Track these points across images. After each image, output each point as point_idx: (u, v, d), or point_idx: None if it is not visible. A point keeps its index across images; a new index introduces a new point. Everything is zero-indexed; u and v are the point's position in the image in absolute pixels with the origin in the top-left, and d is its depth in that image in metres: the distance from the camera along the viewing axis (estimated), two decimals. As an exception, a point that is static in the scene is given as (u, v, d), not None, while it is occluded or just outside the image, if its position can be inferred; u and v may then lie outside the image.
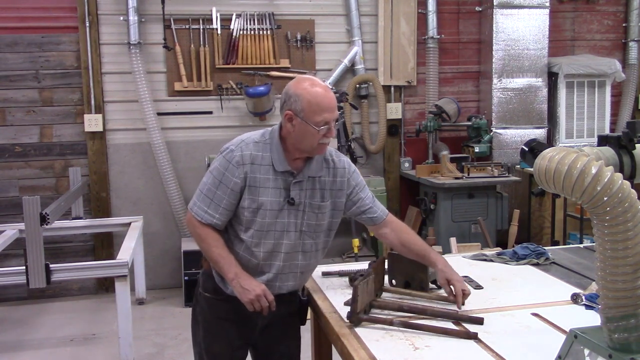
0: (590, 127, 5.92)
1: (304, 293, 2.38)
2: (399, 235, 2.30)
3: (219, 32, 5.38)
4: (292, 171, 2.15)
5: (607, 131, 5.90)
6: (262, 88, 5.26)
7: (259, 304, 2.10)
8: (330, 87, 2.14)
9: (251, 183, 2.12)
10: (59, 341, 4.41)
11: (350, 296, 2.23)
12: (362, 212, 2.29)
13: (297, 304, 2.35)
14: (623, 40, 6.32)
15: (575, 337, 1.46)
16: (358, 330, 1.97)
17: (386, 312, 2.11)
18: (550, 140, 5.88)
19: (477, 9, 5.89)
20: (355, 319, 1.99)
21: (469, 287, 2.22)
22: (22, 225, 3.83)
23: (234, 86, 5.43)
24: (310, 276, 2.41)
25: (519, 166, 5.56)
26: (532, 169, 1.50)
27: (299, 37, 5.54)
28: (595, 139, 3.26)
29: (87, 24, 5.16)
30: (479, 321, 1.97)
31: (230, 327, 2.27)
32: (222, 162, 2.14)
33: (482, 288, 2.35)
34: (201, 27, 5.35)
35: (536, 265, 2.63)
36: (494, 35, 5.66)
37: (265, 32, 5.45)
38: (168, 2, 5.16)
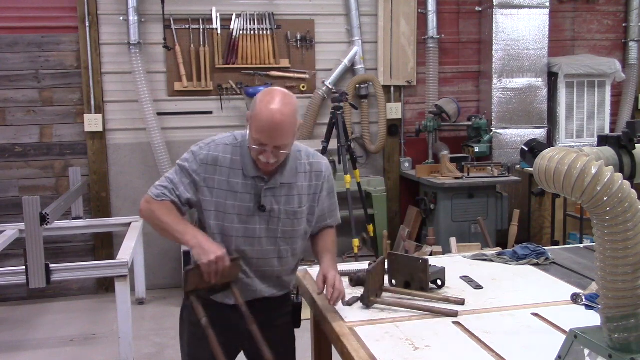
0: (590, 127, 5.92)
1: (297, 296, 2.33)
2: (318, 235, 2.32)
3: (219, 32, 5.38)
4: (263, 177, 2.09)
5: (607, 131, 5.90)
6: (262, 88, 5.25)
7: (215, 267, 1.96)
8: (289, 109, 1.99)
9: (214, 185, 2.08)
10: (59, 341, 4.41)
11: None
12: (323, 215, 2.26)
13: (289, 307, 2.31)
14: (623, 40, 6.33)
15: (575, 337, 1.46)
16: (358, 330, 1.97)
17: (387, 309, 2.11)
18: (550, 140, 5.88)
19: (477, 9, 5.89)
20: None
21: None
22: (22, 225, 3.83)
23: (234, 86, 5.43)
24: (294, 278, 2.35)
25: (519, 166, 5.56)
26: (532, 169, 1.50)
27: (299, 37, 5.54)
28: (595, 139, 3.26)
29: (87, 24, 5.17)
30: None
31: (218, 333, 2.16)
32: (188, 156, 2.12)
33: (482, 288, 2.35)
34: (201, 27, 5.35)
35: (536, 265, 2.63)
36: (494, 35, 5.67)
37: (265, 32, 5.45)
38: (168, 2, 5.16)
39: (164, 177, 2.15)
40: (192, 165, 2.08)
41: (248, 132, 2.06)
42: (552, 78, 5.83)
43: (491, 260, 2.72)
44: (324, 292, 2.12)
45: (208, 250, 1.96)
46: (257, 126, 1.98)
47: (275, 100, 1.98)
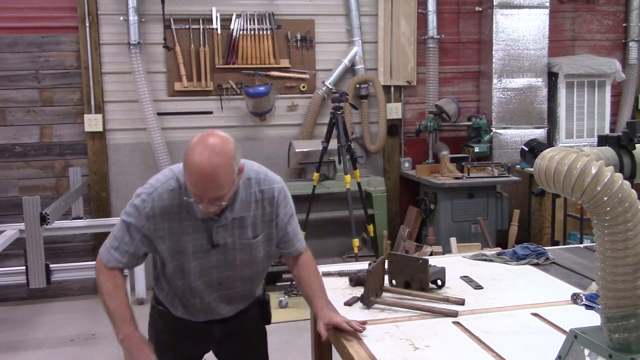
0: (590, 127, 5.92)
1: (264, 294, 2.33)
2: (299, 271, 2.19)
3: (219, 32, 5.38)
4: (212, 217, 1.97)
5: (607, 131, 5.90)
6: (262, 88, 5.27)
7: None
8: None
9: (165, 233, 1.99)
10: (59, 341, 4.41)
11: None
12: (284, 241, 2.17)
13: (257, 306, 2.30)
14: (623, 40, 6.33)
15: (575, 337, 1.46)
16: (358, 330, 1.97)
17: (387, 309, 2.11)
18: (550, 140, 5.88)
19: (477, 9, 5.89)
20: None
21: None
22: (22, 225, 3.83)
23: (234, 86, 5.43)
24: (261, 284, 2.33)
25: (519, 166, 5.55)
26: (532, 169, 1.50)
27: (299, 37, 5.54)
28: (595, 139, 3.26)
29: (87, 24, 5.16)
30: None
31: (182, 342, 2.20)
32: (132, 210, 1.98)
33: (482, 288, 2.35)
34: (201, 27, 5.35)
35: (536, 265, 2.63)
36: (494, 35, 5.67)
37: (265, 32, 5.45)
38: (168, 2, 5.16)
39: (113, 235, 2.03)
40: (139, 220, 1.97)
41: None
42: (552, 78, 5.83)
43: (491, 260, 2.72)
44: (349, 329, 1.96)
45: (135, 358, 1.93)
46: (188, 179, 1.85)
47: (205, 151, 1.80)
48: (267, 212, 2.08)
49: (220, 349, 2.30)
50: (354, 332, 1.92)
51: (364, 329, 1.93)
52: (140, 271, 4.98)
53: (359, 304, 2.19)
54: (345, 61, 5.61)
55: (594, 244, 1.68)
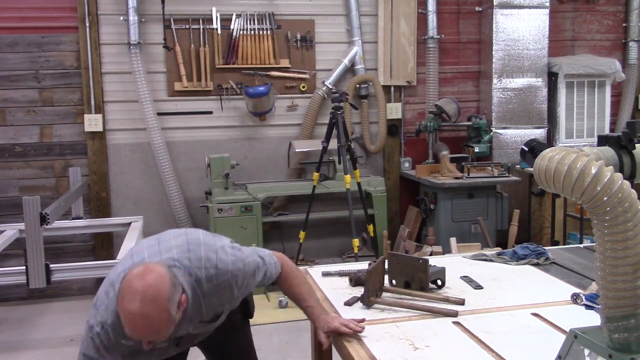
0: (590, 127, 5.92)
1: None
2: (285, 287, 2.16)
3: (219, 32, 5.38)
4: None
5: (607, 131, 5.90)
6: (262, 88, 5.27)
7: None
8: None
9: (129, 353, 1.85)
10: (59, 341, 4.41)
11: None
12: (257, 283, 2.10)
13: (238, 307, 2.23)
14: (623, 40, 6.32)
15: (575, 337, 1.46)
16: (358, 330, 1.97)
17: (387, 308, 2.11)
18: (550, 140, 5.88)
19: (477, 9, 5.89)
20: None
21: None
22: (22, 225, 3.84)
23: (234, 86, 5.43)
24: None
25: (519, 166, 5.55)
26: (532, 169, 1.50)
27: (299, 37, 5.54)
28: (595, 139, 3.26)
29: (87, 24, 5.16)
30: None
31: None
32: (90, 346, 1.85)
33: (482, 288, 2.35)
34: (201, 27, 5.35)
35: (536, 265, 2.63)
36: (494, 35, 5.67)
37: (265, 32, 5.45)
38: (168, 2, 5.16)
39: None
40: (96, 356, 1.85)
41: None
42: (552, 78, 5.83)
43: (491, 260, 2.72)
44: (348, 332, 1.95)
45: None
46: (123, 323, 1.69)
47: (136, 299, 1.64)
48: (227, 297, 1.97)
49: (201, 346, 2.31)
50: (354, 333, 1.92)
51: (363, 328, 1.94)
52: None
53: (359, 304, 2.19)
54: (345, 61, 5.61)
55: (594, 244, 1.68)
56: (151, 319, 1.65)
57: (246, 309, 2.31)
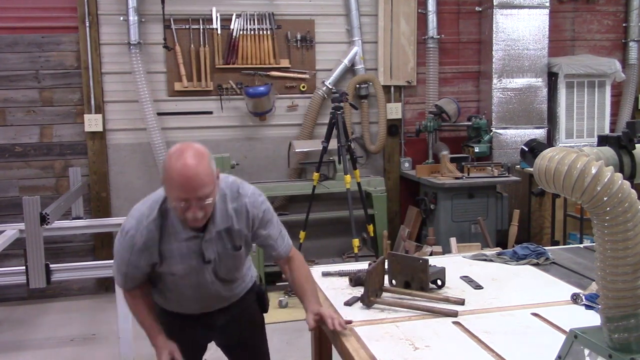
0: (590, 127, 5.92)
1: (260, 284, 2.48)
2: (292, 277, 2.29)
3: (219, 32, 5.38)
4: (197, 234, 2.09)
5: (607, 131, 5.90)
6: (262, 88, 5.27)
7: None
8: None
9: (162, 258, 2.10)
10: (59, 341, 4.41)
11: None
12: (265, 245, 2.27)
13: (254, 295, 2.44)
14: (623, 40, 6.32)
15: (575, 337, 1.46)
16: (358, 330, 1.97)
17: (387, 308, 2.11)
18: (550, 140, 5.88)
19: (477, 9, 5.89)
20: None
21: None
22: (22, 225, 3.83)
23: (234, 86, 5.43)
24: (250, 273, 2.45)
25: (519, 166, 5.56)
26: (532, 169, 1.50)
27: (299, 37, 5.54)
28: (595, 139, 3.26)
29: (87, 24, 5.16)
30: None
31: (186, 332, 2.32)
32: (125, 247, 2.10)
33: (482, 288, 2.35)
34: (201, 27, 5.35)
35: (536, 265, 2.63)
36: (494, 35, 5.67)
37: (265, 32, 5.45)
38: (168, 2, 5.16)
39: (117, 269, 2.19)
40: (132, 257, 2.10)
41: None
42: (552, 78, 5.83)
43: (491, 260, 2.72)
44: (330, 325, 2.03)
45: (158, 353, 2.16)
46: (173, 184, 1.93)
47: (183, 155, 1.94)
48: (244, 226, 2.16)
49: (222, 336, 2.42)
50: (334, 328, 1.98)
51: (345, 329, 1.98)
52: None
53: (359, 304, 2.19)
54: (345, 61, 5.61)
55: (594, 244, 1.68)
56: (199, 167, 1.92)
57: (262, 301, 2.45)
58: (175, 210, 1.99)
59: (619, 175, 1.33)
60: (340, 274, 2.55)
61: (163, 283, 2.22)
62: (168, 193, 1.97)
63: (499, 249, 3.22)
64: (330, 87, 5.55)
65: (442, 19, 5.87)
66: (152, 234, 2.06)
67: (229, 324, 2.37)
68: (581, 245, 3.14)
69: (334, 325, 1.98)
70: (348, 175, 4.75)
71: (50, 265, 3.59)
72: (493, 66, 5.70)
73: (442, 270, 2.37)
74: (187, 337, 2.32)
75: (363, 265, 2.51)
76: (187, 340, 2.30)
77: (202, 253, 2.11)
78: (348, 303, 2.20)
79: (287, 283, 4.91)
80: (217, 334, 2.42)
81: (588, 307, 2.10)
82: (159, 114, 5.33)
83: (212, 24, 5.37)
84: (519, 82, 5.74)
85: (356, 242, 4.75)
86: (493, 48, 5.69)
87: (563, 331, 1.88)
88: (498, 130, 5.71)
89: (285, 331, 4.20)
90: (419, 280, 2.27)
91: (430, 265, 2.30)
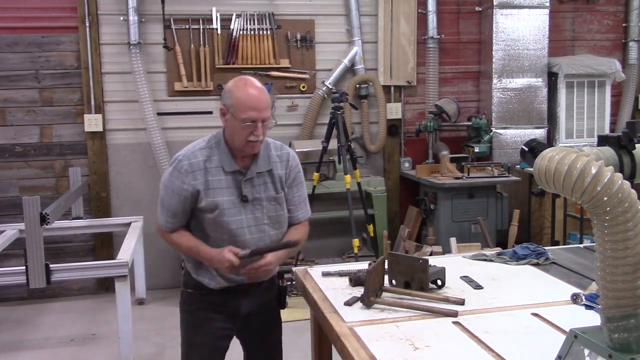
0: (590, 127, 5.92)
1: (283, 280, 2.56)
2: (291, 229, 2.46)
3: (219, 32, 5.38)
4: (241, 170, 2.31)
5: (607, 131, 5.90)
6: (262, 88, 5.26)
7: (234, 268, 2.26)
8: (266, 88, 2.37)
9: (204, 187, 2.27)
10: (59, 341, 4.41)
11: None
12: (291, 205, 2.44)
13: (275, 290, 2.53)
14: (623, 40, 6.33)
15: (575, 337, 1.46)
16: (358, 330, 1.97)
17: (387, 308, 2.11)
18: (550, 140, 5.88)
19: (477, 9, 5.89)
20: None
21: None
22: (22, 225, 3.83)
23: (234, 86, 5.42)
24: None
25: (519, 166, 5.56)
26: (532, 169, 1.50)
27: (299, 37, 5.54)
28: (595, 139, 3.26)
29: (87, 24, 5.17)
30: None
31: (213, 318, 2.40)
32: (172, 172, 2.30)
33: (482, 288, 2.34)
34: (201, 27, 5.36)
35: (536, 265, 2.63)
36: (494, 35, 5.67)
37: (265, 32, 5.45)
38: (168, 2, 5.16)
39: (161, 203, 2.34)
40: (180, 178, 2.27)
41: (229, 123, 2.27)
42: (552, 78, 5.83)
43: (491, 260, 2.72)
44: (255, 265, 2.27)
45: (219, 264, 2.27)
46: (244, 106, 2.22)
47: (249, 81, 2.28)
48: (283, 174, 2.39)
49: (244, 327, 2.48)
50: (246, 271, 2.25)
51: (247, 275, 2.26)
52: (140, 271, 4.99)
53: (359, 304, 2.18)
54: (345, 61, 5.61)
55: (594, 244, 1.68)
56: (263, 93, 2.28)
57: (282, 298, 2.55)
58: (241, 134, 2.22)
59: (619, 175, 1.33)
60: (340, 274, 2.54)
61: (204, 230, 2.30)
62: (239, 116, 2.21)
63: (499, 249, 3.22)
64: (330, 87, 5.55)
65: (442, 19, 5.87)
66: (199, 159, 2.27)
67: (251, 315, 2.44)
68: (581, 245, 3.14)
69: (246, 269, 2.24)
70: (348, 175, 4.75)
71: (50, 265, 3.59)
72: (493, 66, 5.70)
73: (442, 270, 2.36)
74: (215, 325, 2.38)
75: (363, 265, 2.51)
76: (214, 328, 2.38)
77: (241, 190, 2.28)
78: (348, 303, 2.20)
79: (287, 284, 4.97)
80: (239, 326, 2.46)
81: (588, 307, 2.10)
82: (159, 114, 5.33)
83: (212, 24, 5.37)
84: (519, 82, 5.74)
85: (356, 242, 4.75)
86: (493, 48, 5.69)
87: (563, 331, 1.88)
88: (498, 130, 5.71)
89: (285, 331, 4.17)
90: (419, 280, 2.27)
91: (430, 265, 2.30)
